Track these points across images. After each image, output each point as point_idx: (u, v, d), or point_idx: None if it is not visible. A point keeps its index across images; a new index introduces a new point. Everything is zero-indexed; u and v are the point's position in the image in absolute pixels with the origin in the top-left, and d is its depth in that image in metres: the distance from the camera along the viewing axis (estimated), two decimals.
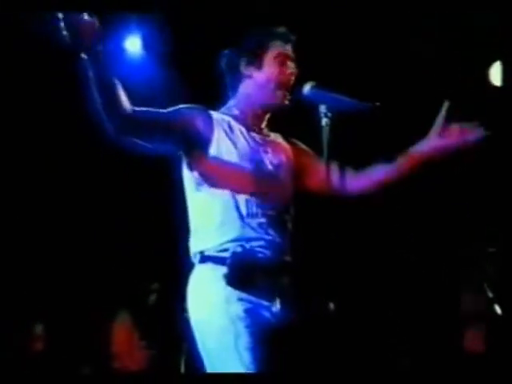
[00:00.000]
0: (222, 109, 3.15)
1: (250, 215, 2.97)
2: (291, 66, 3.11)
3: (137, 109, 2.90)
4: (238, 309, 2.88)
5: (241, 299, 2.90)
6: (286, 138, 3.25)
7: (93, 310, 6.18)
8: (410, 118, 6.20)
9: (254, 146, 3.06)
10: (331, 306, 2.89)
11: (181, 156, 3.06)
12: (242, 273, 2.92)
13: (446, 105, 3.11)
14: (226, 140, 3.01)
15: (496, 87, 6.49)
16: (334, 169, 3.05)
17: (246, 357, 2.82)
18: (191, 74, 6.04)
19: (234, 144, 3.02)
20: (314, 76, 3.07)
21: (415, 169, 3.18)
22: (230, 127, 3.05)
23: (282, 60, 3.09)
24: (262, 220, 2.98)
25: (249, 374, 2.81)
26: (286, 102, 3.10)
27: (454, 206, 6.55)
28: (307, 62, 3.16)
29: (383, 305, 6.55)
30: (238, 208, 2.96)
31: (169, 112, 3.00)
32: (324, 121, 2.93)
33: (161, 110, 2.99)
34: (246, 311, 2.89)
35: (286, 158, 3.16)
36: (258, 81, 3.10)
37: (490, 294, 5.45)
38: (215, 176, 2.99)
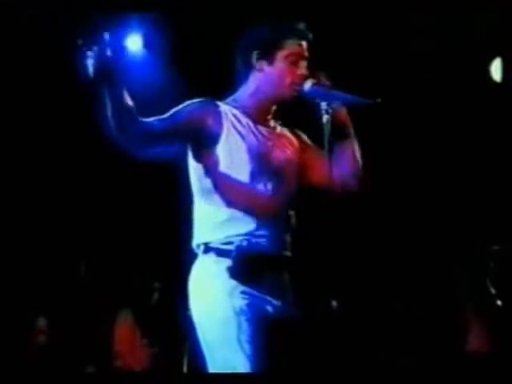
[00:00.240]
0: (230, 98, 3.13)
1: (256, 210, 2.97)
2: (303, 67, 3.08)
3: (148, 121, 2.92)
4: (241, 302, 2.89)
5: (244, 292, 2.91)
6: (292, 129, 3.24)
7: (95, 309, 6.18)
8: (410, 114, 6.22)
9: (261, 141, 3.05)
10: (333, 302, 2.90)
11: (186, 147, 3.07)
12: (247, 266, 2.93)
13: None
14: (235, 134, 3.00)
15: (496, 83, 6.49)
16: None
17: (247, 350, 2.83)
18: (192, 71, 6.04)
19: (242, 138, 3.01)
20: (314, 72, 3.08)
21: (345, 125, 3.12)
22: (238, 120, 3.04)
23: (294, 59, 3.06)
24: (267, 214, 2.98)
25: (250, 373, 2.82)
26: (294, 95, 3.08)
27: (457, 204, 6.55)
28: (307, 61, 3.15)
29: (385, 302, 6.55)
30: (243, 202, 2.97)
31: (179, 115, 2.99)
32: (325, 118, 2.94)
33: (171, 114, 2.99)
34: (249, 305, 2.90)
35: (292, 153, 3.15)
36: (269, 76, 3.07)
37: (493, 291, 5.46)
38: (222, 170, 2.99)
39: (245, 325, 2.86)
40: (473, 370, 5.23)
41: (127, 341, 6.01)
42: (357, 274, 6.31)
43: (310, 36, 3.10)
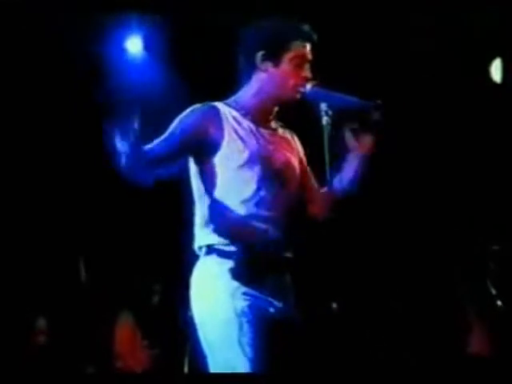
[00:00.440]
0: (231, 99, 3.11)
1: (258, 212, 2.97)
2: (307, 69, 3.07)
3: (153, 149, 2.92)
4: (242, 303, 2.90)
5: (246, 294, 2.91)
6: (292, 132, 3.24)
7: (95, 310, 6.18)
8: (411, 115, 6.22)
9: (263, 144, 3.04)
10: (333, 304, 2.90)
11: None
12: (249, 268, 2.94)
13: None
14: (236, 139, 2.99)
15: (496, 84, 6.49)
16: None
17: (249, 351, 2.83)
18: (192, 74, 6.04)
19: (244, 142, 3.00)
20: (315, 74, 3.08)
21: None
22: (239, 123, 3.03)
23: (299, 62, 3.05)
24: (269, 218, 2.99)
25: (251, 374, 2.83)
26: (298, 96, 3.08)
27: (457, 204, 6.55)
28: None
29: (386, 304, 6.55)
30: (246, 205, 2.97)
31: (182, 132, 2.97)
32: (325, 119, 2.94)
33: (172, 133, 2.98)
34: (251, 306, 2.90)
35: (294, 156, 3.16)
36: (273, 77, 3.05)
37: (494, 292, 5.45)
38: (224, 174, 2.99)
39: (246, 326, 2.86)
40: (474, 371, 5.23)
41: (128, 342, 6.01)
42: (358, 276, 6.31)
43: (315, 38, 3.09)
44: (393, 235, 6.58)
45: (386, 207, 6.56)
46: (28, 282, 6.37)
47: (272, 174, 3.03)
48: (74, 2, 5.77)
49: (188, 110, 3.03)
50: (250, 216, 2.97)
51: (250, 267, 2.94)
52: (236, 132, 3.01)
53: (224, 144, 2.98)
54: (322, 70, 3.08)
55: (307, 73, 3.06)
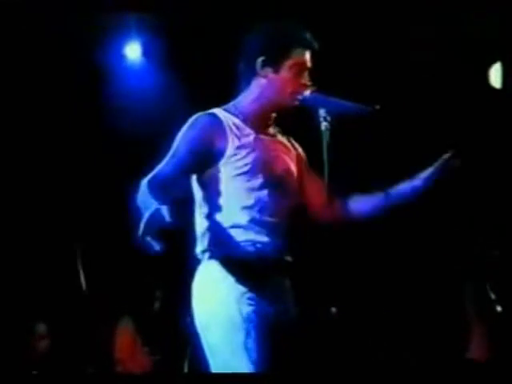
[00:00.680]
0: (231, 104, 3.12)
1: (261, 218, 2.99)
2: (305, 77, 3.07)
3: (163, 170, 2.93)
4: (248, 308, 2.91)
5: (250, 298, 2.93)
6: (289, 138, 3.24)
7: (96, 316, 6.18)
8: (410, 120, 6.21)
9: (263, 151, 3.05)
10: (333, 309, 2.91)
11: None
12: (252, 272, 2.94)
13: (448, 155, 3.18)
14: (239, 148, 3.00)
15: (496, 89, 6.48)
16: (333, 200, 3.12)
17: (254, 356, 2.85)
18: (191, 80, 6.04)
19: (245, 150, 3.01)
20: (313, 80, 3.08)
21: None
22: (240, 130, 3.03)
23: (299, 69, 3.05)
24: (272, 223, 3.00)
25: (252, 374, 2.84)
26: (296, 103, 3.08)
27: (457, 208, 6.55)
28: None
29: (385, 308, 6.55)
30: (248, 212, 2.98)
31: (188, 144, 2.97)
32: (324, 125, 2.95)
33: (177, 147, 2.97)
34: (256, 311, 2.91)
35: (293, 161, 3.17)
36: (273, 83, 3.06)
37: (493, 296, 5.45)
38: (225, 180, 2.99)
39: (252, 331, 2.88)
40: (473, 374, 5.23)
41: (128, 348, 6.00)
42: (357, 280, 6.30)
43: (316, 46, 3.09)
44: (393, 238, 6.57)
45: (387, 210, 6.55)
46: (28, 288, 6.37)
47: (274, 181, 3.04)
48: (72, 8, 5.77)
49: (189, 122, 3.03)
50: (253, 222, 2.98)
51: (253, 272, 2.95)
52: (239, 139, 3.01)
53: (227, 152, 2.99)
54: (321, 76, 3.08)
55: (306, 80, 3.07)
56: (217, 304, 2.94)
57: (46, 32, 5.86)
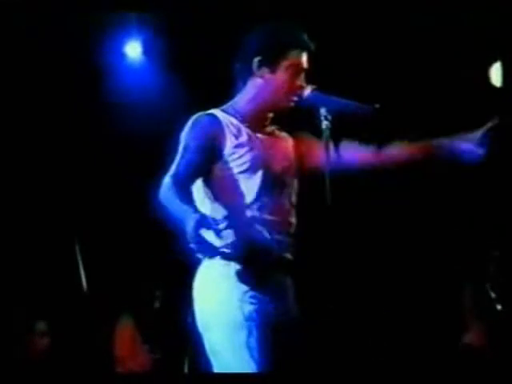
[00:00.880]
0: (228, 105, 3.13)
1: (261, 216, 2.99)
2: (301, 78, 3.08)
3: (178, 171, 2.92)
4: (250, 307, 2.92)
5: (253, 297, 2.94)
6: (285, 131, 3.24)
7: (96, 314, 6.18)
8: (410, 120, 6.21)
9: (262, 149, 3.06)
10: (332, 306, 2.91)
11: None
12: (253, 271, 2.95)
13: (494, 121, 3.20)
14: (238, 147, 3.01)
15: (496, 88, 6.48)
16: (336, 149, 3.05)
17: (257, 355, 2.86)
18: (191, 78, 6.05)
19: (244, 149, 3.02)
20: (314, 79, 3.08)
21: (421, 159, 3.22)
22: (238, 130, 3.04)
23: (295, 71, 3.06)
24: (272, 221, 3.01)
25: (252, 374, 2.84)
26: (291, 105, 3.09)
27: (458, 208, 6.55)
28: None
29: (385, 308, 6.55)
30: (248, 210, 2.99)
31: (194, 141, 2.98)
32: (324, 124, 2.95)
33: (184, 148, 2.98)
34: (258, 310, 2.93)
35: (292, 156, 3.18)
36: (269, 84, 3.07)
37: (493, 295, 5.46)
38: (226, 180, 3.01)
39: (255, 330, 2.89)
40: (473, 376, 5.24)
41: (128, 346, 6.00)
42: (357, 279, 6.30)
43: (313, 47, 3.10)
44: (394, 237, 6.58)
45: (387, 209, 6.56)
46: (29, 285, 6.37)
47: (273, 178, 3.05)
48: (72, 6, 5.77)
49: (190, 123, 3.04)
50: (253, 220, 2.99)
51: (254, 270, 2.96)
52: (236, 138, 3.02)
53: (226, 151, 3.00)
54: (321, 75, 3.08)
55: (302, 82, 3.07)
56: (218, 303, 2.95)
57: (47, 31, 5.86)
